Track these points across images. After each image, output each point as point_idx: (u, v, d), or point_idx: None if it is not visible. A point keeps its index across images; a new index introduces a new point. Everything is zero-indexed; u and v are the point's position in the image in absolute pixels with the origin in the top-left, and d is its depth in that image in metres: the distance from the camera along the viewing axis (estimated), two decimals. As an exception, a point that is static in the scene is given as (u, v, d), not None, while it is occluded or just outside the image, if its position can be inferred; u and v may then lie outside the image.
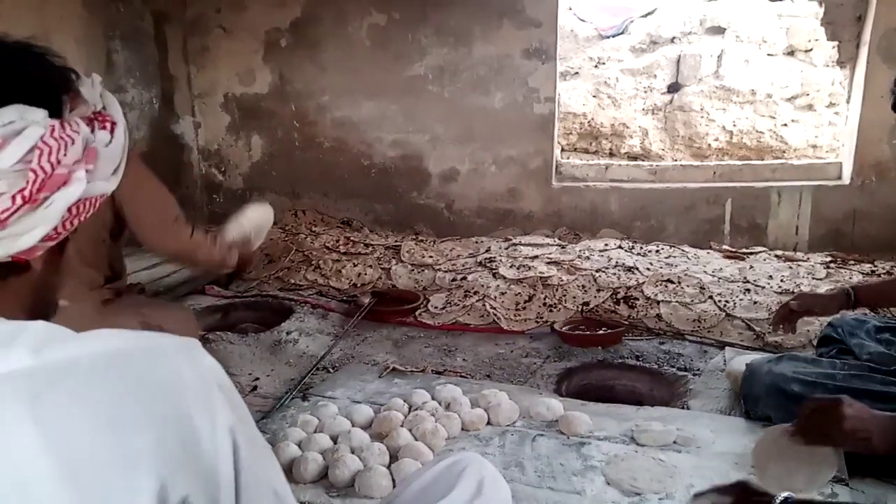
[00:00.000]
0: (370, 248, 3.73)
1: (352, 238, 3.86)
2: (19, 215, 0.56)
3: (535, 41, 3.94)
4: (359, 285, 3.42)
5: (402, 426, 1.87)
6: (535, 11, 3.90)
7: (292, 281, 3.47)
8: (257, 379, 2.53)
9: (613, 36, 6.15)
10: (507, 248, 3.71)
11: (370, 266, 3.54)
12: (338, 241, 3.79)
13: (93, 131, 0.62)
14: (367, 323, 3.05)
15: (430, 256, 3.63)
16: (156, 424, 0.52)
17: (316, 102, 4.31)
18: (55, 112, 0.59)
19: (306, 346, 2.82)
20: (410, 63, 4.11)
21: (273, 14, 4.24)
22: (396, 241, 3.85)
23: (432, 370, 2.48)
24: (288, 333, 2.90)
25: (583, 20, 6.34)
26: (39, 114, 0.57)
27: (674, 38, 5.98)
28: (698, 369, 2.49)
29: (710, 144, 5.89)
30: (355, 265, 3.53)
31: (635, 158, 6.04)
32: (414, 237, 4.01)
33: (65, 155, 0.59)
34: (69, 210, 0.60)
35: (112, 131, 0.65)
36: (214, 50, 4.39)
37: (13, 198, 0.55)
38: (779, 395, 1.79)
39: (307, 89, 4.30)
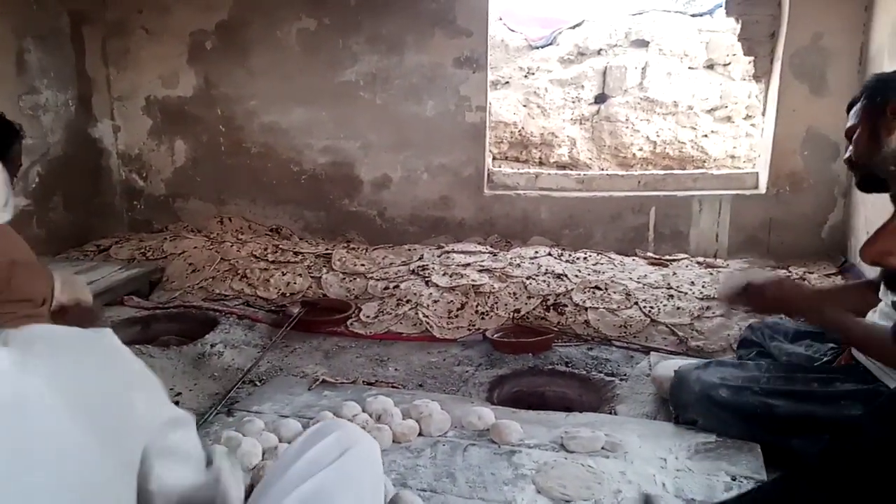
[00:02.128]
0: (300, 257, 3.65)
1: (281, 246, 3.78)
2: None
3: (467, 50, 3.97)
4: (288, 295, 3.34)
5: (331, 440, 1.82)
6: (466, 21, 3.93)
7: (217, 291, 3.36)
8: (179, 394, 2.43)
9: (543, 47, 6.26)
10: (439, 256, 3.71)
11: (300, 275, 3.46)
12: (266, 249, 3.70)
13: None
14: (297, 334, 2.98)
15: (363, 265, 3.59)
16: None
17: (243, 107, 4.21)
18: None
19: (232, 358, 2.73)
20: (342, 69, 4.07)
21: (198, 16, 4.11)
22: (327, 249, 3.79)
23: (364, 381, 2.44)
24: (212, 346, 2.80)
25: (513, 30, 6.43)
26: None
27: (600, 50, 6.14)
28: (625, 374, 2.55)
29: (634, 154, 6.06)
30: (284, 274, 3.45)
31: (564, 167, 6.17)
32: (345, 245, 3.96)
33: None
34: None
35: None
36: (136, 51, 4.22)
37: None
38: (708, 401, 1.84)
39: (234, 93, 4.19)
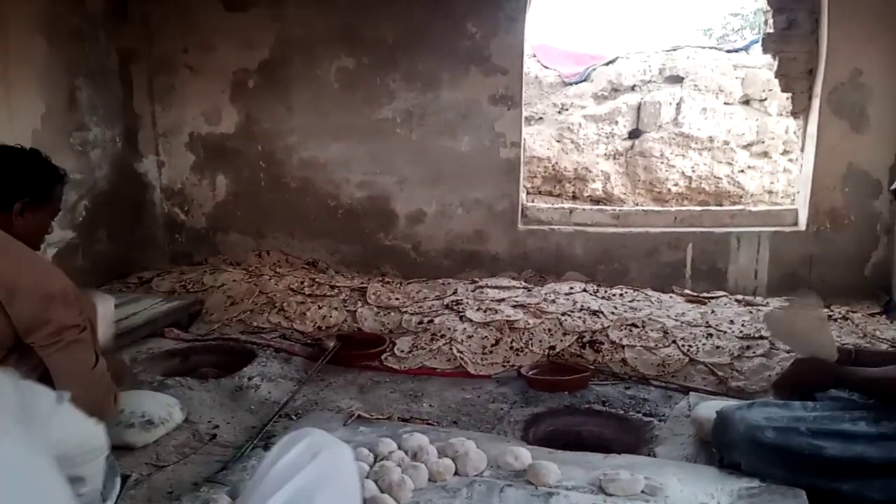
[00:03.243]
0: (336, 290, 3.69)
1: (317, 279, 3.82)
2: None
3: (502, 88, 4.02)
4: (324, 328, 3.37)
5: (367, 477, 1.82)
6: (501, 59, 3.99)
7: (255, 324, 3.40)
8: (217, 427, 2.45)
9: (576, 83, 6.31)
10: (473, 291, 3.71)
11: (335, 308, 3.49)
12: (303, 282, 3.75)
13: None
14: (332, 367, 2.99)
15: (397, 298, 3.61)
16: None
17: (283, 143, 4.31)
18: None
19: (268, 391, 2.75)
20: (379, 106, 4.15)
21: (241, 55, 4.25)
22: (362, 283, 3.82)
23: (399, 417, 2.44)
24: (250, 379, 2.82)
25: (546, 67, 6.50)
26: None
27: (634, 86, 6.17)
28: (664, 415, 2.50)
29: (669, 189, 6.04)
30: (320, 307, 3.48)
31: (598, 202, 6.16)
32: (380, 279, 3.99)
33: None
34: None
35: None
36: (181, 89, 4.36)
37: None
38: (753, 442, 1.79)
39: (275, 129, 4.30)
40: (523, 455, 1.97)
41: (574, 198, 6.42)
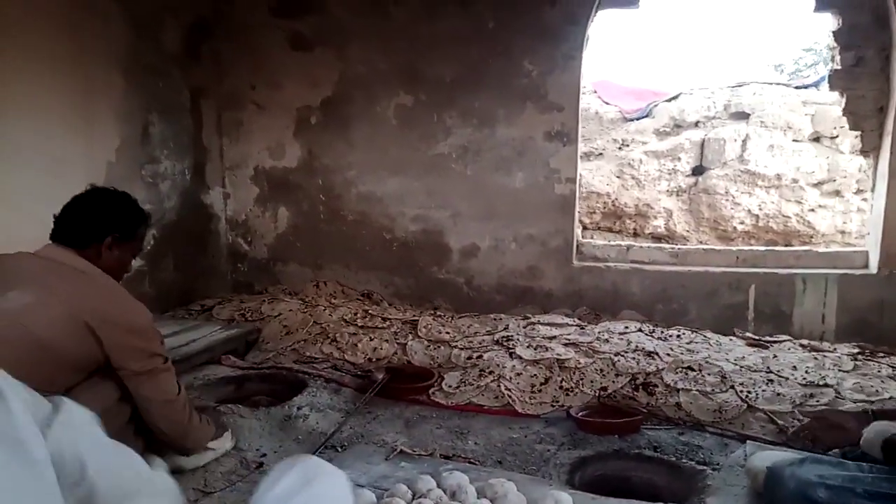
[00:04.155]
0: (387, 323, 3.72)
1: (370, 311, 3.86)
2: None
3: (557, 124, 4.02)
4: (374, 360, 3.39)
5: (404, 515, 1.81)
6: (557, 97, 4.00)
7: (308, 353, 3.46)
8: (264, 455, 2.49)
9: (638, 119, 6.25)
10: (525, 327, 3.67)
11: (386, 340, 3.52)
12: (356, 314, 3.79)
13: None
14: (380, 400, 3.00)
15: (448, 332, 3.61)
16: None
17: (342, 177, 4.42)
18: None
19: (316, 422, 2.78)
20: (435, 142, 4.21)
21: (305, 93, 4.40)
22: (414, 316, 3.84)
23: (441, 454, 2.42)
24: (299, 408, 2.86)
25: (607, 103, 6.48)
26: None
27: (698, 122, 6.07)
28: (718, 463, 2.40)
29: (735, 227, 5.87)
30: (371, 339, 3.52)
31: (660, 239, 6.04)
32: (432, 312, 4.00)
33: None
34: None
35: None
36: (248, 124, 4.55)
37: None
38: (804, 500, 1.70)
39: (335, 164, 4.42)
40: (563, 499, 1.91)
41: (635, 235, 6.32)
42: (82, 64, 3.59)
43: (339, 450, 2.52)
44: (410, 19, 4.15)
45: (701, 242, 5.87)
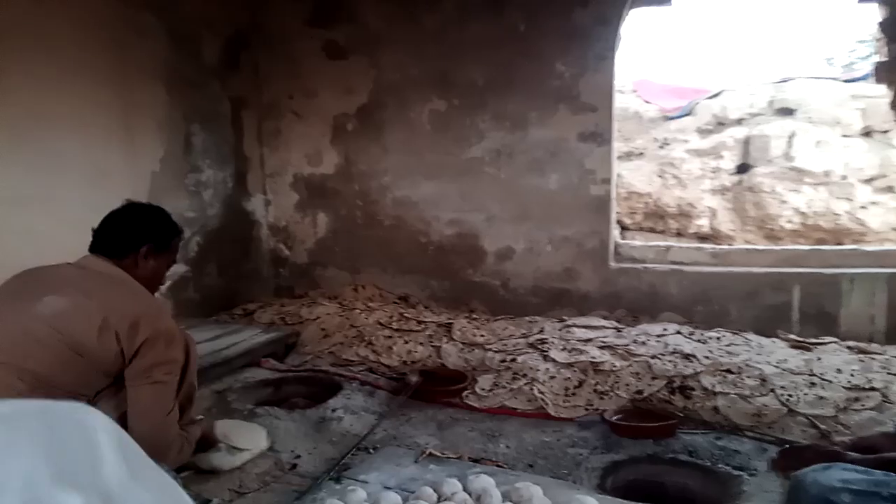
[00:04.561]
0: (422, 326, 3.74)
1: (405, 314, 3.89)
2: None
3: (591, 125, 3.98)
4: (409, 362, 3.42)
5: (429, 516, 1.82)
6: (590, 97, 3.96)
7: (344, 356, 3.51)
8: (298, 457, 2.53)
9: (678, 117, 6.15)
10: (560, 330, 3.64)
11: (421, 343, 3.54)
12: (391, 317, 3.83)
13: None
14: (414, 402, 3.03)
15: (482, 335, 3.61)
16: (53, 459, 0.62)
17: (378, 182, 4.47)
18: None
19: (350, 424, 2.82)
20: (468, 146, 4.22)
21: (342, 100, 4.47)
22: (449, 319, 3.85)
23: (469, 457, 2.42)
24: (333, 410, 2.91)
25: (647, 102, 6.38)
26: None
27: (741, 119, 5.93)
28: (755, 469, 2.34)
29: (782, 226, 5.71)
30: (406, 342, 3.54)
31: (704, 239, 5.91)
32: (467, 315, 4.00)
33: None
34: None
35: None
36: (286, 133, 4.64)
37: None
38: None
39: (370, 170, 4.47)
40: (590, 504, 1.90)
41: (678, 235, 6.20)
42: (125, 78, 3.73)
43: (372, 451, 2.55)
44: (442, 25, 4.18)
45: (747, 242, 5.72)
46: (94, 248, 2.05)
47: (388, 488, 2.09)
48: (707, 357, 3.15)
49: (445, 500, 1.93)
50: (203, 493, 2.23)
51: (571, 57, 3.96)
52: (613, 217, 4.18)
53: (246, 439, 2.53)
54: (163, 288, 3.90)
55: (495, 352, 3.41)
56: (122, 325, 1.87)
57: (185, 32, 4.08)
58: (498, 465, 2.35)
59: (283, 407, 3.03)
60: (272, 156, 4.71)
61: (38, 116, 3.27)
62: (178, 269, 4.09)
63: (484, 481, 2.03)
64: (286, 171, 4.71)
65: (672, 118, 6.22)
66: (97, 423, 0.66)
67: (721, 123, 6.00)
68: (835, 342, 3.40)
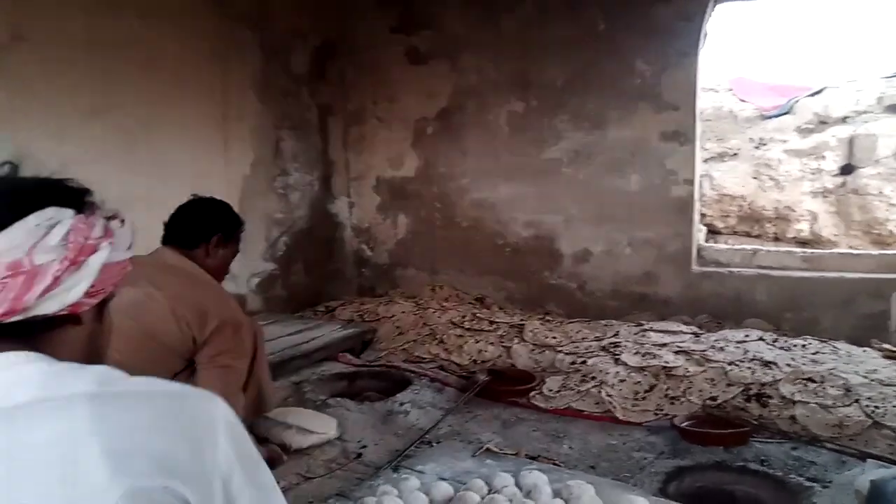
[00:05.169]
0: (494, 326, 3.77)
1: (478, 314, 3.93)
2: (67, 274, 0.77)
3: (673, 124, 3.88)
4: (479, 362, 3.46)
5: (475, 508, 1.85)
6: (672, 95, 3.86)
7: (416, 353, 3.59)
8: (364, 447, 2.62)
9: (776, 116, 5.85)
10: (636, 334, 3.57)
11: (491, 343, 3.57)
12: (464, 317, 3.88)
13: (109, 221, 0.84)
14: (481, 401, 3.06)
15: (554, 337, 3.59)
16: (177, 443, 0.72)
17: (457, 185, 4.53)
18: (80, 211, 0.80)
19: (416, 418, 2.88)
20: (546, 147, 4.21)
21: (422, 104, 4.58)
22: (521, 320, 3.85)
23: (527, 455, 2.43)
24: (401, 404, 2.98)
25: (743, 100, 6.11)
26: (69, 211, 0.79)
27: (845, 117, 5.57)
28: (830, 481, 2.21)
29: (891, 231, 5.32)
30: (477, 341, 3.58)
31: (804, 244, 5.60)
32: (541, 317, 3.98)
33: (90, 232, 0.80)
34: (102, 270, 0.80)
35: (122, 222, 0.87)
36: (370, 137, 4.80)
37: (62, 261, 0.76)
38: None
39: (449, 172, 4.55)
40: (641, 505, 1.87)
41: (776, 239, 5.90)
42: (224, 89, 4.00)
43: (434, 445, 2.60)
44: (521, 28, 4.19)
45: (851, 247, 5.36)
46: (167, 240, 2.22)
47: (443, 479, 2.13)
48: (789, 365, 3.00)
49: (495, 492, 1.96)
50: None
51: (652, 55, 3.88)
52: (696, 219, 4.05)
53: (316, 424, 2.66)
54: (252, 284, 4.20)
55: (566, 354, 3.38)
56: (191, 315, 2.03)
57: (276, 45, 4.31)
58: (554, 464, 2.34)
59: (357, 400, 3.14)
60: (356, 160, 4.88)
61: (148, 126, 3.57)
62: (266, 267, 4.34)
63: (536, 477, 2.04)
64: (369, 174, 4.86)
65: (770, 117, 5.92)
66: (218, 412, 0.77)
67: (823, 122, 5.66)
68: (938, 354, 3.15)
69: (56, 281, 0.75)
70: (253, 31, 4.15)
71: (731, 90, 6.33)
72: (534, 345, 3.53)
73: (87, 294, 0.79)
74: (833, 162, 5.54)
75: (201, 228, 2.18)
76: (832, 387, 2.74)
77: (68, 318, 0.80)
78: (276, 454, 2.46)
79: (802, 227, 5.72)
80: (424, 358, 3.56)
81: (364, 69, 4.71)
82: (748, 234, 6.06)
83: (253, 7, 4.13)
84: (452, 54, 4.42)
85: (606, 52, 3.98)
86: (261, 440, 2.43)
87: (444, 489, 2.01)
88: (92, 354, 0.86)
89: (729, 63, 6.89)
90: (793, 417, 2.62)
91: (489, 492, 1.98)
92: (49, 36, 3.11)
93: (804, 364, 2.99)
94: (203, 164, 3.88)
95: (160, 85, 3.61)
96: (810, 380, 2.81)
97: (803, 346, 3.26)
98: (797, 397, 2.71)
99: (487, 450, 2.39)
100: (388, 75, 4.65)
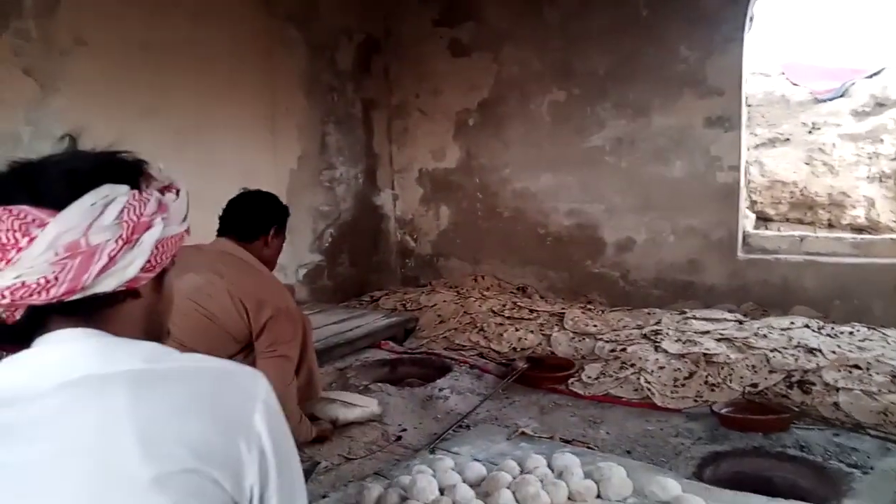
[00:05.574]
0: (534, 314, 3.80)
1: (518, 303, 3.97)
2: (122, 253, 0.79)
3: (718, 110, 3.82)
4: (518, 349, 3.50)
5: (507, 488, 1.90)
6: (717, 80, 3.80)
7: (457, 341, 3.65)
8: (404, 430, 2.71)
9: (830, 99, 5.66)
10: (678, 322, 3.54)
11: (531, 331, 3.60)
12: (504, 305, 3.92)
13: (163, 194, 0.86)
14: (520, 387, 3.10)
15: (595, 325, 3.60)
16: (213, 427, 0.74)
17: (498, 175, 4.57)
18: (134, 186, 0.82)
19: (455, 403, 2.95)
20: (588, 135, 4.21)
21: (464, 96, 4.62)
22: (562, 309, 3.87)
23: (561, 438, 2.46)
24: (441, 390, 3.06)
25: (795, 84, 5.94)
26: (123, 188, 0.80)
27: (905, 98, 5.35)
28: (871, 467, 2.18)
29: (954, 216, 5.10)
30: (517, 329, 3.62)
31: (860, 231, 5.42)
32: (582, 305, 3.99)
33: (144, 209, 0.81)
34: (156, 246, 0.82)
35: (177, 194, 0.88)
36: (413, 130, 4.88)
37: (116, 241, 0.78)
38: None
39: (491, 163, 4.59)
40: (671, 486, 1.88)
41: (830, 226, 5.72)
42: (272, 86, 4.14)
43: (470, 429, 2.66)
44: (563, 17, 4.19)
45: (911, 234, 5.16)
46: (223, 232, 2.34)
47: (477, 460, 2.19)
48: (834, 352, 2.94)
49: (526, 472, 2.00)
50: (315, 457, 2.47)
51: (697, 40, 3.83)
52: (742, 206, 3.99)
53: (359, 400, 2.78)
54: (300, 274, 4.34)
55: (606, 341, 3.39)
56: (249, 302, 2.15)
57: (322, 41, 4.43)
58: (588, 447, 2.37)
59: (398, 386, 3.23)
60: (400, 152, 4.97)
61: (199, 124, 3.73)
62: (313, 258, 4.47)
63: (568, 459, 2.07)
64: (412, 166, 4.94)
65: (823, 100, 5.73)
66: (259, 391, 0.80)
67: (881, 104, 5.45)
68: None
69: (112, 260, 0.77)
70: (300, 29, 4.27)
71: (783, 74, 6.15)
72: (574, 333, 3.55)
73: (144, 269, 0.80)
74: (891, 145, 5.33)
75: (260, 221, 2.30)
76: (878, 374, 2.68)
77: (128, 293, 0.81)
78: (326, 430, 2.58)
79: (858, 213, 5.53)
80: (465, 346, 3.63)
81: (407, 63, 4.79)
82: (801, 222, 5.88)
83: (300, 6, 4.26)
84: (494, 46, 4.45)
85: (649, 38, 3.94)
86: (312, 418, 2.55)
87: (478, 469, 2.06)
88: (153, 325, 0.88)
89: (781, 47, 6.69)
90: (836, 404, 2.58)
91: (521, 472, 2.03)
92: (108, 40, 3.29)
93: (850, 351, 2.93)
94: (251, 160, 4.02)
95: (211, 85, 3.77)
96: (856, 366, 2.76)
97: (850, 333, 3.18)
98: (841, 384, 2.66)
99: (522, 433, 2.43)
100: (431, 68, 4.72)
